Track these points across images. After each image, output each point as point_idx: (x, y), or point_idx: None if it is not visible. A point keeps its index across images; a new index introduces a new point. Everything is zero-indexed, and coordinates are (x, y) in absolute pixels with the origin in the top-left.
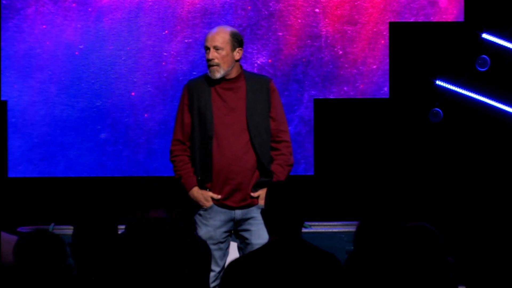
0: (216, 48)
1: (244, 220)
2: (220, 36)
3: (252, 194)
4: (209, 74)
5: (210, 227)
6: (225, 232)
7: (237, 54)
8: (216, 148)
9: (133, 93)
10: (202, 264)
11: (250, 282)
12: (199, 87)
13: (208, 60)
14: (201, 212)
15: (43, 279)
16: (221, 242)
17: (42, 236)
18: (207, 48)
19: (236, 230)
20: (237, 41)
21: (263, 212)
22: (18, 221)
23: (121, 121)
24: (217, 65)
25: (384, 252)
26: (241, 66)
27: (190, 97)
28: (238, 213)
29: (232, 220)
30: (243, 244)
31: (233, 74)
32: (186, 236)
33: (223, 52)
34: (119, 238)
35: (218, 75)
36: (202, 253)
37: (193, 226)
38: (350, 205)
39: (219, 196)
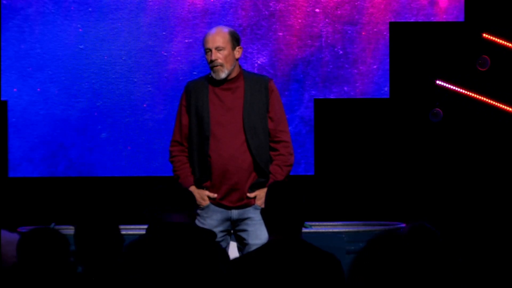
0: (218, 49)
1: (241, 220)
2: (220, 36)
3: (248, 194)
4: (213, 76)
5: (207, 226)
6: (222, 231)
7: (237, 53)
8: (213, 148)
9: (145, 105)
10: (220, 270)
11: (250, 282)
12: (197, 88)
13: (211, 62)
14: (198, 211)
15: (47, 276)
16: (218, 242)
17: (45, 233)
18: (208, 50)
19: (234, 231)
20: (236, 40)
21: (263, 212)
22: (18, 221)
23: (121, 121)
24: (221, 65)
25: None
26: (240, 66)
27: (188, 98)
28: (234, 213)
29: (229, 219)
30: (241, 245)
31: (233, 74)
32: (205, 242)
33: (225, 52)
34: (140, 242)
35: (223, 75)
36: (221, 259)
37: (213, 233)
38: (350, 205)
39: (216, 195)
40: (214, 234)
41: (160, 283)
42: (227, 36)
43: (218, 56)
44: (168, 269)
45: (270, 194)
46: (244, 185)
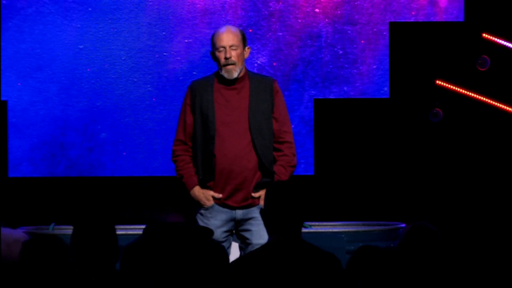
0: (232, 48)
1: (245, 220)
2: (234, 35)
3: (253, 194)
4: (225, 75)
5: (210, 226)
6: (226, 231)
7: (246, 53)
8: (218, 147)
9: (145, 116)
10: (219, 268)
11: (250, 282)
12: (202, 87)
13: (226, 59)
14: (202, 211)
15: (48, 282)
16: (221, 242)
17: (46, 241)
18: (222, 48)
19: (237, 231)
20: (245, 39)
21: (263, 212)
22: (18, 221)
23: (121, 121)
24: (234, 63)
25: None
26: (245, 67)
27: (193, 97)
28: (239, 213)
29: (233, 220)
30: (244, 244)
31: (240, 74)
32: (203, 241)
33: (238, 51)
34: (137, 242)
35: (235, 73)
36: (220, 257)
37: (210, 230)
38: (350, 205)
39: (221, 195)
40: (211, 232)
41: (159, 283)
42: (239, 35)
43: (232, 54)
44: (166, 270)
45: (270, 194)
46: (249, 185)
